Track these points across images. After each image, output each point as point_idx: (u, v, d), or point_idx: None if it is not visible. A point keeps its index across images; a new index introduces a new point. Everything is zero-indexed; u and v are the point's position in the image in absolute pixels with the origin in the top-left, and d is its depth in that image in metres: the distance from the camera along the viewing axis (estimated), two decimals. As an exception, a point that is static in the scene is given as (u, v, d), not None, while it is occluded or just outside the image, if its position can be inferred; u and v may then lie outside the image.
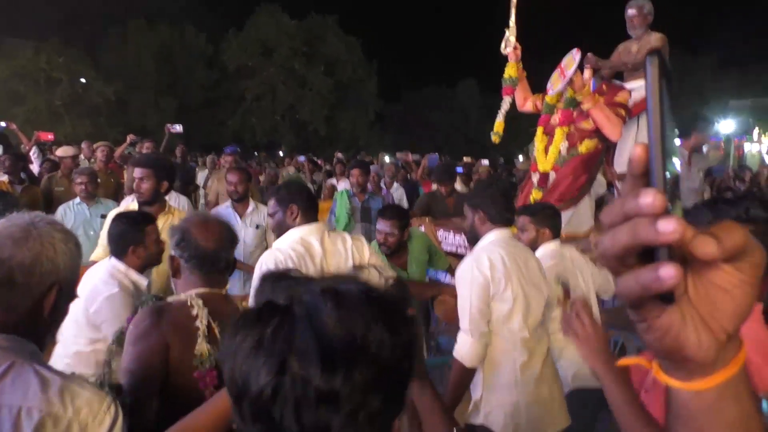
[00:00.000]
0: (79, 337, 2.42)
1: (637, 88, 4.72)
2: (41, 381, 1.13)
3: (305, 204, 2.59)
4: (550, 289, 2.56)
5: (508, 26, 4.43)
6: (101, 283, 2.44)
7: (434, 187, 5.95)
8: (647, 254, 0.45)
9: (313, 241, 2.53)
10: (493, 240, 2.43)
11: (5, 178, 5.21)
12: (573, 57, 3.88)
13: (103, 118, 28.17)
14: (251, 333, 0.67)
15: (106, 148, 6.74)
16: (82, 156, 7.81)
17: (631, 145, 4.78)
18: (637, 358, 0.60)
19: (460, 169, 10.42)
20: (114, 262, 2.52)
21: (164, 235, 3.35)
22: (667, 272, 0.43)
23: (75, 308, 2.23)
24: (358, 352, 0.65)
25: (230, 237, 1.88)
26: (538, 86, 4.54)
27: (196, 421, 1.34)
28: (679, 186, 0.48)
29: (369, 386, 0.65)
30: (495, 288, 2.30)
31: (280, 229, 2.61)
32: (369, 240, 4.66)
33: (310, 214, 2.61)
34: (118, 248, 2.53)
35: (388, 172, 8.20)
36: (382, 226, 3.38)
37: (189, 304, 1.68)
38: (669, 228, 0.42)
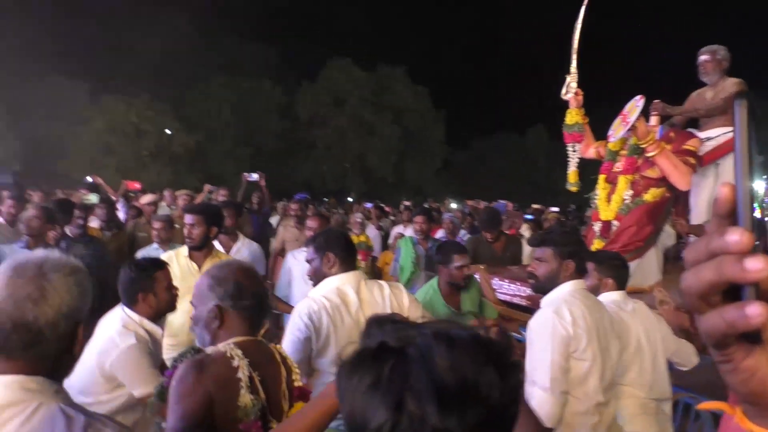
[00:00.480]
0: (95, 389, 2.30)
1: (714, 137, 4.50)
2: (66, 420, 1.17)
3: (343, 252, 2.57)
4: (619, 349, 2.41)
5: (569, 72, 4.38)
6: (117, 334, 2.34)
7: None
8: (731, 293, 0.45)
9: (348, 291, 2.50)
10: (571, 291, 2.29)
11: (96, 224, 5.56)
12: (636, 103, 3.76)
13: (184, 166, 29.81)
14: (368, 373, 0.70)
15: (187, 196, 7.15)
16: (163, 203, 8.28)
17: (707, 197, 4.55)
18: (720, 403, 0.56)
19: (529, 216, 10.22)
20: (127, 312, 2.44)
21: None
22: (754, 310, 0.42)
23: (87, 359, 2.22)
24: (471, 394, 0.68)
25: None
26: (600, 133, 4.43)
27: (302, 417, 1.37)
28: (765, 231, 0.47)
29: (480, 427, 0.67)
30: (575, 345, 2.17)
31: (317, 277, 2.59)
32: None
33: (348, 263, 2.58)
34: (128, 297, 2.46)
35: (446, 225, 8.14)
36: (464, 261, 3.35)
37: (229, 355, 1.67)
38: (757, 266, 0.42)
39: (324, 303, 2.41)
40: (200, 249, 3.59)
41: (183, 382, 1.60)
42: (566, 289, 2.30)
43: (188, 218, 3.56)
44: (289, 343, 2.37)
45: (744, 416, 0.50)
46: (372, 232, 8.48)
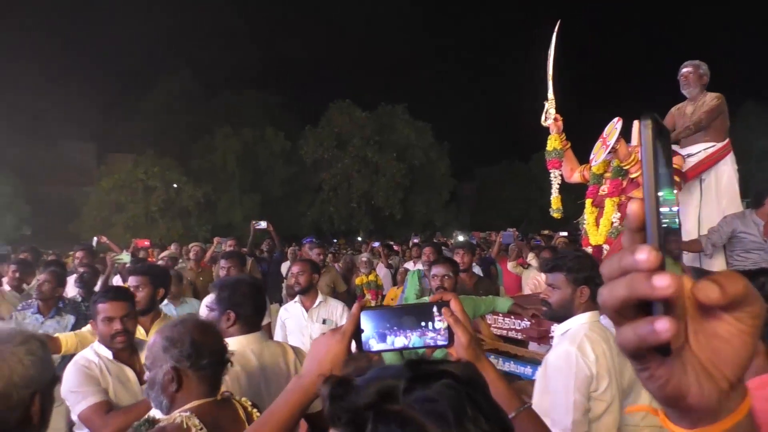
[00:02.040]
0: None
1: (695, 153, 4.45)
2: None
3: (249, 311, 2.33)
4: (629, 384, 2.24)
5: (547, 99, 4.38)
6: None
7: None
8: (645, 307, 0.47)
9: (251, 357, 2.25)
10: (589, 324, 2.18)
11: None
12: (614, 126, 3.73)
13: (193, 218, 30.07)
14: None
15: (197, 248, 7.18)
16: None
17: (695, 212, 4.47)
18: (645, 406, 0.61)
19: (538, 242, 10.10)
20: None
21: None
22: (662, 325, 0.45)
23: None
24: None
25: (222, 337, 1.89)
26: (584, 156, 4.39)
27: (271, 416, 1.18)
28: (679, 243, 0.49)
29: None
30: (597, 385, 2.05)
31: None
32: None
33: (252, 323, 2.32)
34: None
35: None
36: (437, 270, 3.56)
37: (185, 426, 1.55)
38: (663, 283, 0.44)
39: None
40: (146, 313, 3.35)
41: None
42: (583, 321, 2.19)
43: (132, 280, 3.39)
44: None
45: (666, 418, 0.54)
46: (381, 270, 8.45)
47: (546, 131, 4.45)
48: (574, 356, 2.07)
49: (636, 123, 4.18)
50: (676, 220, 0.51)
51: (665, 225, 0.48)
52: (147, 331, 3.37)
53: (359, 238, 28.77)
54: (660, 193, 0.48)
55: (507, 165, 41.95)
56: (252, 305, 2.36)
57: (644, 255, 0.45)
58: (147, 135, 32.93)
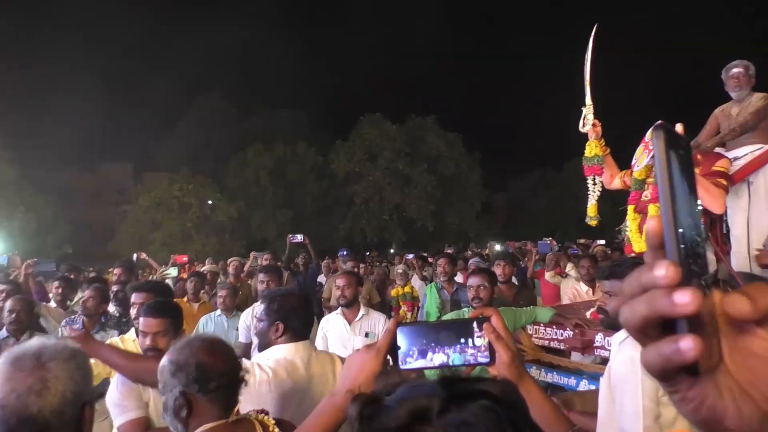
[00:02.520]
0: None
1: (741, 155, 4.30)
2: None
3: (298, 323, 2.36)
4: None
5: (584, 104, 4.28)
6: None
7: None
8: (670, 325, 0.44)
9: (298, 364, 2.28)
10: None
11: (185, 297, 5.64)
12: (657, 129, 3.62)
13: (228, 234, 30.52)
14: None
15: (236, 262, 7.29)
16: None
17: (744, 217, 4.31)
18: (685, 430, 0.54)
19: (575, 251, 9.93)
20: None
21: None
22: (687, 344, 0.43)
23: None
24: None
25: (235, 353, 1.81)
26: (625, 162, 4.28)
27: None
28: (705, 258, 0.47)
29: None
30: (663, 391, 1.97)
31: (262, 341, 2.41)
32: None
33: (300, 334, 2.37)
34: None
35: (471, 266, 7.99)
36: (473, 281, 3.50)
37: None
38: (684, 299, 0.43)
39: (268, 373, 2.19)
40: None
41: None
42: None
43: (136, 296, 3.36)
44: None
45: None
46: (416, 282, 8.42)
47: (581, 138, 4.34)
48: (639, 363, 1.99)
49: (679, 126, 4.07)
50: (700, 230, 0.48)
51: (687, 238, 0.46)
52: None
53: (392, 251, 28.74)
54: (677, 207, 0.46)
55: (539, 174, 41.51)
56: (300, 317, 2.39)
57: (663, 271, 0.44)
58: (181, 154, 33.67)
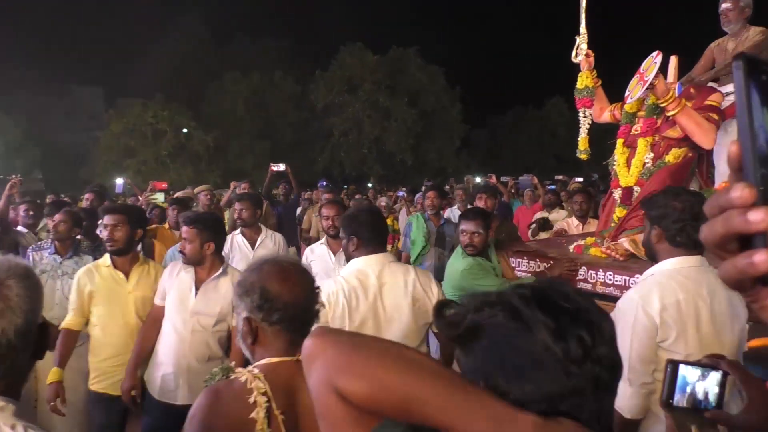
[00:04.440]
0: None
1: (733, 91, 4.25)
2: None
3: (368, 235, 2.56)
4: (738, 333, 2.09)
5: (578, 33, 4.14)
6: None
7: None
8: (747, 243, 0.48)
9: (369, 273, 2.50)
10: (671, 270, 2.03)
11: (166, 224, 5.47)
12: (653, 60, 3.51)
13: (204, 164, 30.02)
14: (542, 310, 0.77)
15: (207, 191, 7.07)
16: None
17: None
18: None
19: (552, 187, 9.98)
20: None
21: (141, 291, 3.26)
22: (760, 257, 0.46)
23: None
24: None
25: (313, 283, 1.61)
26: (615, 96, 4.20)
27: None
28: None
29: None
30: (663, 335, 1.96)
31: (345, 254, 2.66)
32: (441, 266, 4.55)
33: (374, 245, 2.57)
34: None
35: (458, 196, 7.94)
36: (467, 226, 3.41)
37: (248, 387, 1.41)
38: (758, 217, 0.46)
39: (342, 284, 2.43)
40: (125, 254, 3.28)
41: (193, 421, 1.38)
42: (665, 267, 2.05)
43: (108, 219, 3.25)
44: None
45: None
46: (403, 216, 8.40)
47: (562, 77, 4.22)
48: (636, 304, 1.99)
49: (673, 58, 3.97)
50: None
51: (765, 161, 0.48)
52: (127, 276, 3.28)
53: (369, 185, 28.67)
54: (755, 132, 0.49)
55: (519, 111, 41.28)
56: (372, 229, 2.57)
57: (738, 192, 0.47)
58: (156, 80, 32.54)
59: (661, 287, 2.00)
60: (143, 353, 3.10)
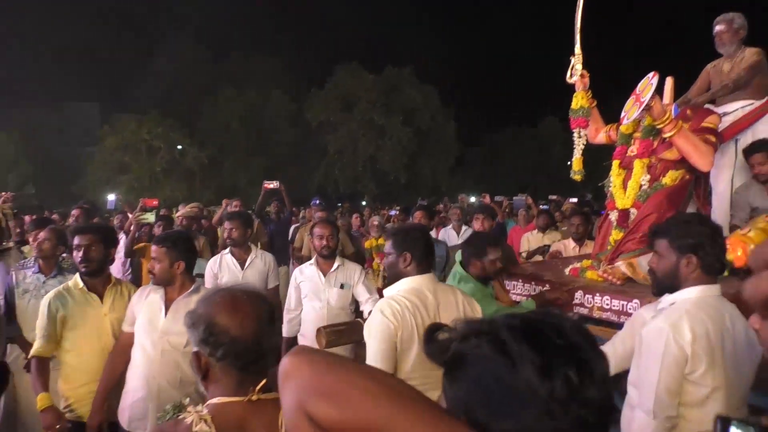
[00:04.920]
0: None
1: (731, 111, 4.22)
2: None
3: (421, 252, 2.53)
4: (756, 363, 2.05)
5: (573, 53, 4.12)
6: None
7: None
8: None
9: (427, 293, 2.48)
10: (698, 299, 1.98)
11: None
12: (650, 81, 3.46)
13: (198, 180, 29.94)
14: (533, 351, 0.74)
15: (197, 209, 6.94)
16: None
17: (728, 175, 4.25)
18: None
19: (546, 207, 9.94)
20: None
21: (117, 312, 3.11)
22: None
23: None
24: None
25: (270, 315, 1.46)
26: (610, 117, 4.15)
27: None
28: None
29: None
30: (692, 367, 1.89)
31: (391, 273, 2.59)
32: None
33: (425, 264, 2.56)
34: None
35: (454, 215, 7.86)
36: (495, 255, 3.32)
37: (192, 430, 1.30)
38: None
39: (406, 303, 2.38)
40: (99, 274, 3.17)
41: None
42: (692, 296, 2.00)
43: (80, 239, 3.12)
44: (375, 350, 2.30)
45: None
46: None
47: (557, 96, 4.19)
48: (666, 334, 1.91)
49: (669, 79, 3.93)
50: None
51: None
52: (101, 297, 3.15)
53: (363, 203, 28.61)
54: None
55: (514, 130, 41.48)
56: (424, 247, 2.55)
57: None
58: (152, 96, 32.54)
59: (690, 317, 1.93)
60: (111, 384, 2.96)
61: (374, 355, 2.28)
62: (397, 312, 2.33)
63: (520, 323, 0.78)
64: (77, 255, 3.14)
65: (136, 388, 2.89)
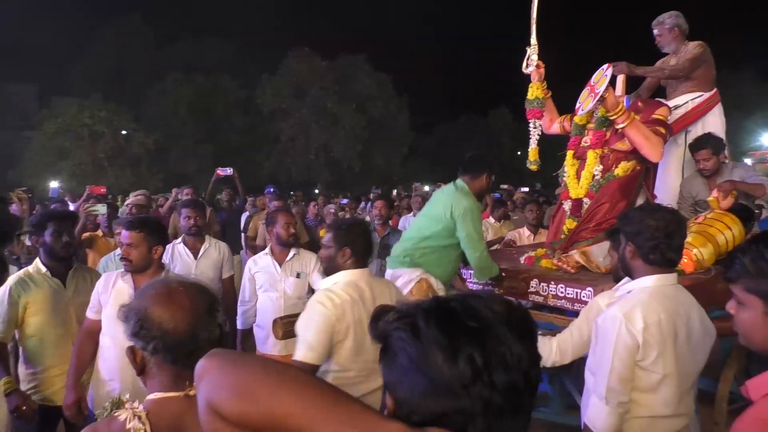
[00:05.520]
0: None
1: (681, 104, 4.35)
2: None
3: (361, 249, 2.59)
4: (710, 349, 2.12)
5: (529, 44, 4.15)
6: None
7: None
8: None
9: (364, 287, 2.54)
10: (651, 288, 2.02)
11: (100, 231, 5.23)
12: (604, 73, 3.54)
13: (145, 167, 28.94)
14: (439, 326, 0.78)
15: (143, 197, 6.61)
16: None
17: (677, 165, 4.39)
18: None
19: (498, 196, 10.08)
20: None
21: (80, 297, 3.09)
22: None
23: None
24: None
25: (207, 306, 1.40)
26: (565, 107, 4.22)
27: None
28: None
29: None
30: (644, 354, 1.93)
31: (328, 264, 2.61)
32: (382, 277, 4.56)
33: (363, 260, 2.62)
34: None
35: (415, 203, 7.89)
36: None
37: (126, 428, 1.25)
38: None
39: (346, 296, 2.44)
40: (66, 260, 3.20)
41: None
42: (648, 284, 2.04)
43: (54, 224, 3.13)
44: (310, 327, 2.34)
45: None
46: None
47: (507, 87, 4.23)
48: (618, 322, 1.95)
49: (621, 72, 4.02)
50: None
51: None
52: (64, 282, 3.15)
53: (317, 191, 28.39)
54: None
55: (466, 120, 41.96)
56: (364, 244, 2.62)
57: None
58: (94, 78, 31.20)
59: (643, 305, 1.97)
60: (82, 367, 2.94)
61: (309, 344, 2.32)
62: (337, 305, 2.39)
63: (436, 306, 0.81)
64: (51, 240, 3.11)
65: (110, 379, 2.85)
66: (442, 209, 3.47)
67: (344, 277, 2.53)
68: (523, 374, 0.77)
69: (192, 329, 1.33)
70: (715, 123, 4.27)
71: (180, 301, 1.35)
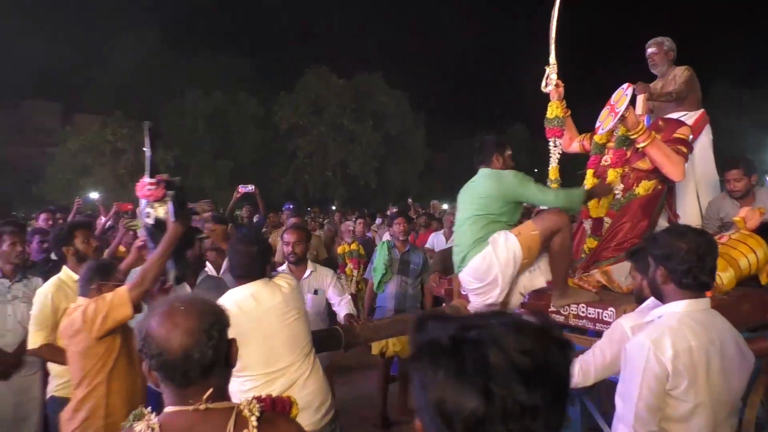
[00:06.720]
0: None
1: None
2: None
3: (243, 262, 2.86)
4: (747, 376, 2.07)
5: (548, 63, 4.18)
6: None
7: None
8: None
9: (247, 300, 2.76)
10: (681, 314, 1.97)
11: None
12: (624, 92, 3.54)
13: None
14: (449, 363, 0.77)
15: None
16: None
17: (692, 185, 4.36)
18: None
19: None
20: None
21: None
22: None
23: None
24: (546, 371, 0.76)
25: (207, 326, 1.40)
26: (583, 127, 4.23)
27: None
28: None
29: (555, 399, 0.76)
30: (673, 383, 1.88)
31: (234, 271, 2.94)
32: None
33: (245, 276, 2.85)
34: None
35: (447, 222, 7.87)
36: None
37: None
38: None
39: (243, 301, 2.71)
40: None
41: None
42: (678, 309, 1.98)
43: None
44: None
45: None
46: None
47: (524, 105, 4.26)
48: (647, 350, 1.90)
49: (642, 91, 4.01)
50: None
51: None
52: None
53: (333, 207, 28.48)
54: None
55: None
56: (244, 257, 2.90)
57: None
58: (115, 96, 31.75)
59: (673, 332, 1.92)
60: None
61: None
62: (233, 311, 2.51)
63: (449, 338, 0.79)
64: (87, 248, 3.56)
65: None
66: (483, 191, 3.43)
67: (231, 293, 2.88)
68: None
69: (185, 350, 1.36)
70: (706, 142, 4.37)
71: (176, 321, 1.38)
